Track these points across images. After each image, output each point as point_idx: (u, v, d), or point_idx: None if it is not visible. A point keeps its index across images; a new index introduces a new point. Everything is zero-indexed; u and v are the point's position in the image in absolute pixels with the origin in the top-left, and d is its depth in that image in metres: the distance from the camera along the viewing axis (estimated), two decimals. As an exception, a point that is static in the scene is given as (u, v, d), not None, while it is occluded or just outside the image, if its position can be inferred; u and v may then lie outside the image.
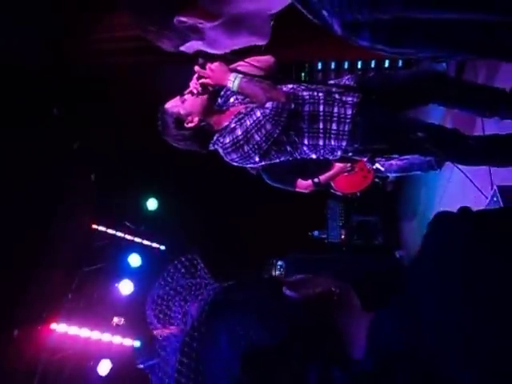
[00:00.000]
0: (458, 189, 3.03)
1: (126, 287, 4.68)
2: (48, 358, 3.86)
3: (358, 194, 3.42)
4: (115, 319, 4.57)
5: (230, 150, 1.98)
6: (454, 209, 0.70)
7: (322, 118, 1.99)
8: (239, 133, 1.95)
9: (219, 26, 0.73)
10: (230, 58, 1.97)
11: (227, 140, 1.97)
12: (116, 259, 4.84)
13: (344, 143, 1.99)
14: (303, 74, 4.34)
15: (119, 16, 3.33)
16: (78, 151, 4.35)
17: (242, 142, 1.95)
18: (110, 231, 4.92)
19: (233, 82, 1.94)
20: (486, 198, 2.24)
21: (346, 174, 2.98)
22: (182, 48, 0.81)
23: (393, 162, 2.38)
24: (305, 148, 2.03)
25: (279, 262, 4.60)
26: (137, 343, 4.53)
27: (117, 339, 4.43)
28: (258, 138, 1.93)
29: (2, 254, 3.23)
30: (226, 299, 0.72)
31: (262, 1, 0.72)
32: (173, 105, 2.05)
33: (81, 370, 4.18)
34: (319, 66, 4.35)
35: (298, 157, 2.09)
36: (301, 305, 0.69)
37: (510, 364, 0.50)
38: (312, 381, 0.59)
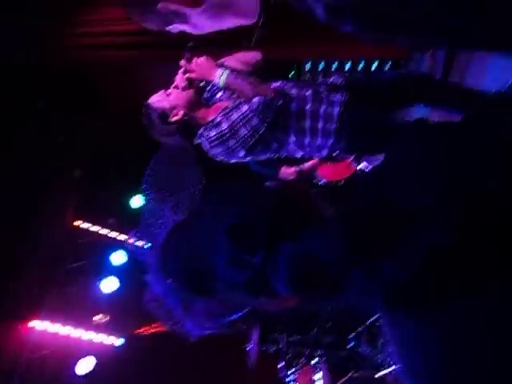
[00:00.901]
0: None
1: (108, 285, 4.62)
2: (28, 357, 3.80)
3: (342, 182, 3.44)
4: (97, 317, 4.51)
5: (214, 143, 1.95)
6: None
7: (309, 115, 1.98)
8: (225, 126, 1.92)
9: (203, 11, 0.72)
10: (216, 53, 1.95)
11: (212, 133, 1.95)
12: (99, 256, 4.78)
13: (330, 141, 1.98)
14: (291, 73, 4.35)
15: (111, 10, 3.30)
16: (63, 145, 4.29)
17: (227, 136, 1.92)
18: (94, 228, 4.86)
19: (220, 77, 1.92)
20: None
21: (329, 162, 3.00)
22: (167, 29, 0.79)
23: (378, 161, 2.39)
24: (291, 145, 2.02)
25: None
26: (120, 341, 4.49)
27: (98, 337, 4.38)
28: (244, 133, 1.91)
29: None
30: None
31: None
32: (157, 99, 2.02)
33: (61, 369, 4.12)
34: (307, 66, 4.36)
35: (284, 154, 2.08)
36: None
37: None
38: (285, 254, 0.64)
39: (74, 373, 4.10)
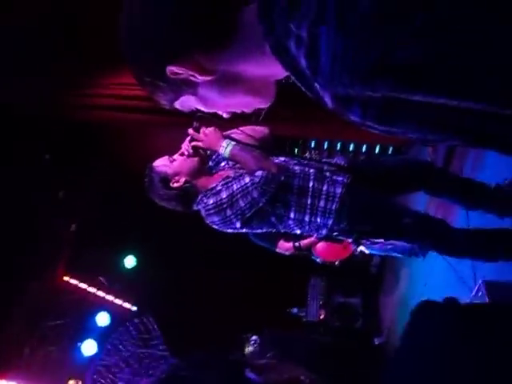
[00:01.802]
0: (442, 278, 3.00)
1: (88, 348, 4.40)
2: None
3: (337, 264, 3.39)
4: (71, 382, 4.25)
5: (212, 211, 1.94)
6: (436, 298, 0.68)
7: (310, 193, 1.98)
8: (224, 196, 1.92)
9: (212, 82, 0.72)
10: (224, 125, 1.99)
11: (211, 201, 1.94)
12: (83, 316, 4.61)
13: (330, 221, 1.97)
14: (296, 150, 4.45)
15: (120, 74, 3.45)
16: (62, 200, 4.30)
17: (225, 206, 1.91)
18: (82, 285, 4.72)
19: (225, 148, 1.95)
20: (471, 290, 2.20)
21: (328, 242, 2.99)
22: (177, 104, 0.80)
23: (377, 245, 2.37)
24: (290, 222, 2.00)
25: (253, 337, 4.42)
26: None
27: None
28: (243, 204, 1.90)
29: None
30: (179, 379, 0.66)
31: (262, 66, 0.72)
32: (161, 163, 2.04)
33: None
34: (312, 143, 4.47)
35: (282, 230, 2.05)
36: None
37: None
38: None
39: None
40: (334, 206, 1.95)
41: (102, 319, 4.62)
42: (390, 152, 4.31)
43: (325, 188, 1.98)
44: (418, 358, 0.58)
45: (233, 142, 1.96)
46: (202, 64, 0.69)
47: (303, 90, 0.64)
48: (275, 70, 0.70)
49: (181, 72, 0.70)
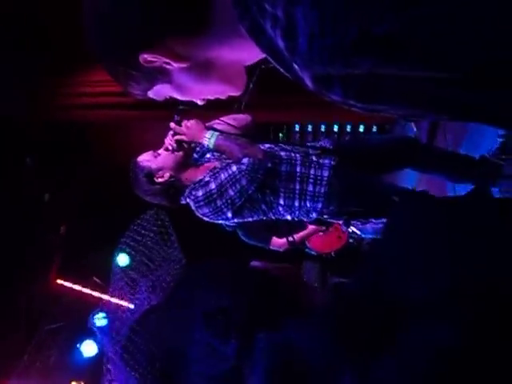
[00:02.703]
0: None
1: (88, 349, 4.39)
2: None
3: (333, 254, 3.39)
4: (73, 384, 4.25)
5: (202, 203, 1.92)
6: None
7: (298, 178, 1.98)
8: (213, 186, 1.91)
9: (187, 69, 0.70)
10: (206, 116, 1.97)
11: (200, 193, 1.92)
12: (80, 317, 4.59)
13: (319, 205, 1.97)
14: (281, 135, 4.44)
15: (97, 72, 3.39)
16: (48, 202, 4.25)
17: (215, 196, 1.90)
18: (76, 287, 4.70)
19: (209, 139, 1.93)
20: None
21: (320, 233, 2.98)
22: (151, 93, 0.78)
23: (368, 224, 2.38)
24: (280, 208, 2.00)
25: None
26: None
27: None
28: (232, 193, 1.89)
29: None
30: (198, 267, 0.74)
31: (238, 51, 0.70)
32: (145, 159, 2.01)
33: None
34: (296, 127, 4.46)
35: (273, 217, 2.05)
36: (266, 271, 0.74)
37: None
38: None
39: None
40: (322, 190, 1.95)
41: (100, 319, 4.60)
42: (374, 131, 4.32)
43: (312, 172, 1.98)
44: (402, 239, 0.61)
45: (216, 133, 1.94)
46: (176, 51, 0.67)
47: (282, 72, 0.63)
48: (251, 54, 0.69)
49: (155, 60, 0.68)
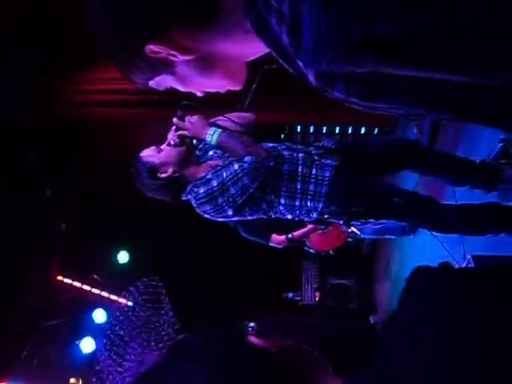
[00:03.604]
0: (432, 255, 3.04)
1: (87, 345, 4.40)
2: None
3: (331, 253, 3.40)
4: (72, 380, 4.26)
5: (203, 200, 1.93)
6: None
7: (300, 178, 1.99)
8: (215, 184, 1.91)
9: (192, 62, 0.71)
10: (209, 113, 1.98)
11: (201, 190, 1.93)
12: (80, 314, 4.60)
13: (320, 205, 1.98)
14: (283, 135, 4.45)
15: (101, 70, 3.40)
16: (49, 199, 4.26)
17: (216, 194, 1.90)
18: (76, 284, 4.71)
19: (211, 135, 1.93)
20: (460, 266, 2.24)
21: (320, 231, 2.99)
22: (152, 83, 0.78)
23: (368, 225, 2.39)
24: (281, 207, 2.01)
25: (251, 324, 4.46)
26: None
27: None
28: (234, 191, 1.89)
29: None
30: (187, 343, 0.66)
31: (242, 45, 0.71)
32: (148, 154, 2.02)
33: None
34: (298, 128, 4.47)
35: (273, 216, 2.06)
36: (266, 354, 0.63)
37: None
38: None
39: None
40: (323, 190, 1.96)
41: (99, 316, 4.61)
42: (375, 133, 4.33)
43: (314, 172, 1.99)
44: (415, 323, 0.56)
45: (219, 130, 1.95)
46: (182, 43, 0.67)
47: (285, 68, 0.64)
48: (255, 49, 0.70)
49: (160, 51, 0.68)
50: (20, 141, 3.74)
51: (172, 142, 1.97)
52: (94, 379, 4.10)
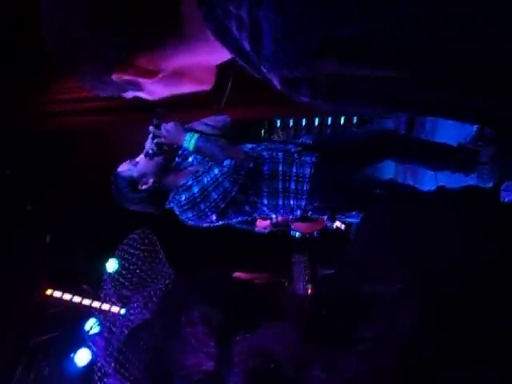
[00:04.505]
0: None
1: (82, 358, 4.36)
2: None
3: (316, 234, 3.45)
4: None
5: (185, 207, 1.91)
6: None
7: (281, 177, 1.99)
8: (196, 190, 1.90)
9: (158, 80, 0.71)
10: (185, 117, 1.96)
11: (183, 197, 1.91)
12: (72, 327, 4.54)
13: (303, 202, 1.98)
14: (263, 131, 4.44)
15: (72, 78, 3.33)
16: (31, 212, 4.19)
17: (198, 200, 1.89)
18: (66, 296, 4.65)
19: (189, 141, 1.91)
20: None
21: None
22: (122, 93, 0.77)
23: (352, 214, 2.41)
24: (264, 208, 2.01)
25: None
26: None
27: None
28: (216, 196, 1.88)
29: None
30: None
31: (207, 55, 0.70)
32: (125, 168, 1.99)
33: None
34: (278, 123, 4.47)
35: (257, 216, 2.06)
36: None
37: None
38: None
39: None
40: (305, 187, 1.97)
41: (92, 326, 4.57)
42: (354, 122, 4.35)
43: (294, 170, 1.99)
44: (370, 232, 0.69)
45: (196, 134, 1.93)
46: (146, 67, 0.67)
47: (251, 72, 0.63)
48: (220, 56, 0.69)
49: (125, 77, 0.67)
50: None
51: (150, 151, 1.95)
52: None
